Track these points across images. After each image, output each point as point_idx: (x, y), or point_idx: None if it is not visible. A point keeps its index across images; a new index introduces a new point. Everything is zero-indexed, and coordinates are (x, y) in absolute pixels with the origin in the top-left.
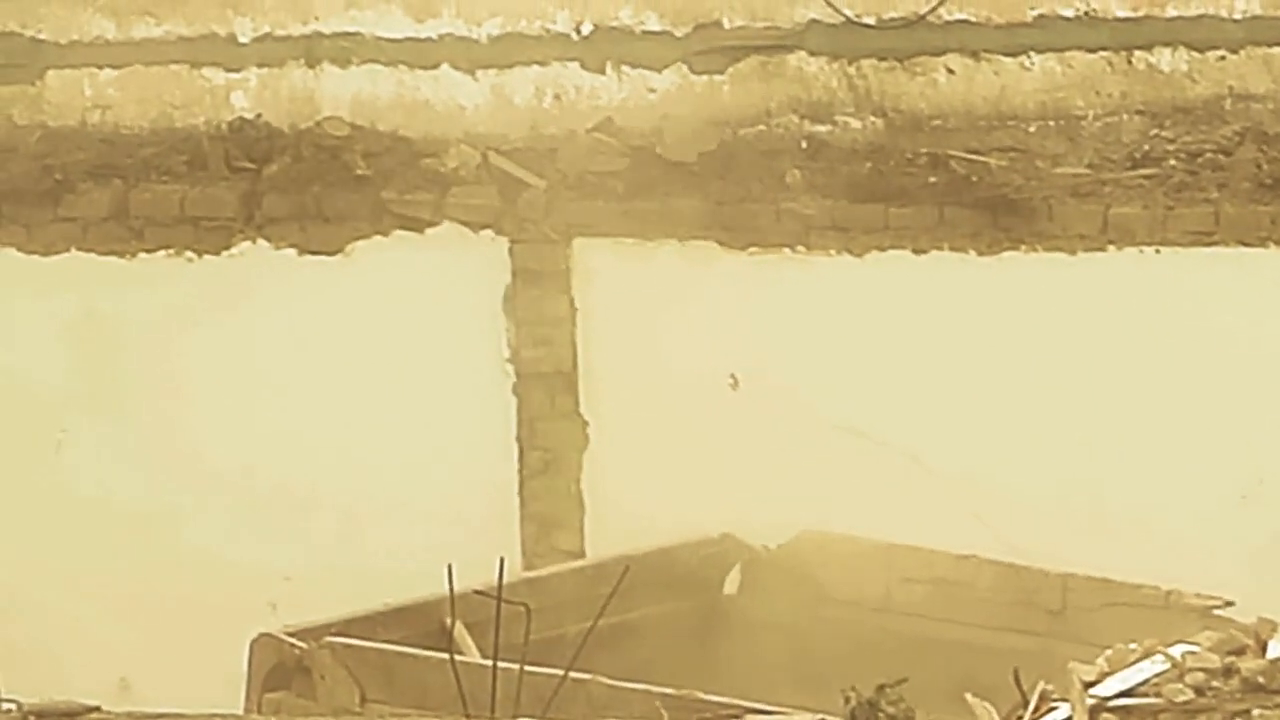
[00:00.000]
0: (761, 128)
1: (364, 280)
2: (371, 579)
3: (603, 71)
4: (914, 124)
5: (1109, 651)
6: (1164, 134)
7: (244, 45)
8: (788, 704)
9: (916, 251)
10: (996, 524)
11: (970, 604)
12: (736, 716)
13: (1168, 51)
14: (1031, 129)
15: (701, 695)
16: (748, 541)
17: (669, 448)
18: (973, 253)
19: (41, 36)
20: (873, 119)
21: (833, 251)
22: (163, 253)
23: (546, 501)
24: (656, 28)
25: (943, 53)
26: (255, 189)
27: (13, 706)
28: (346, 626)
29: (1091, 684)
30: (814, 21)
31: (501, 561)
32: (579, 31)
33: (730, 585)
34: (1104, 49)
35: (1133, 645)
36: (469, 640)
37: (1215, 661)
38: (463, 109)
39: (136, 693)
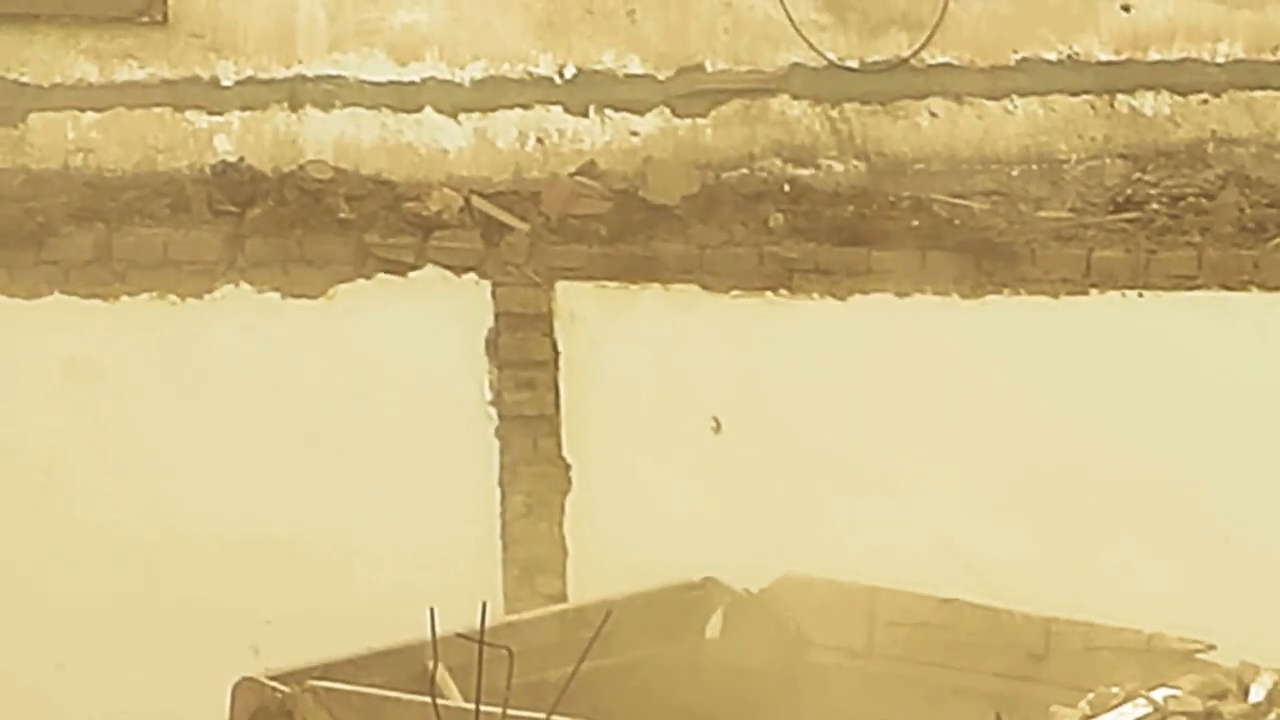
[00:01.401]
0: (744, 171)
1: (346, 323)
2: (354, 623)
3: (585, 115)
4: (897, 167)
5: (1092, 695)
6: (1146, 178)
7: (227, 88)
8: None
9: (899, 295)
10: (980, 568)
11: (953, 647)
12: None
13: (1150, 95)
14: (1014, 172)
15: None
16: (730, 585)
17: (651, 491)
18: (955, 296)
19: (24, 79)
20: (855, 162)
21: (816, 295)
22: (145, 296)
23: (529, 545)
24: (639, 71)
25: (925, 96)
26: (238, 232)
27: None
28: (329, 670)
29: None
30: (797, 65)
31: (484, 605)
32: (562, 75)
33: (712, 629)
34: (1087, 92)
35: (1115, 689)
36: (451, 684)
37: (1198, 705)
38: (446, 152)
39: None
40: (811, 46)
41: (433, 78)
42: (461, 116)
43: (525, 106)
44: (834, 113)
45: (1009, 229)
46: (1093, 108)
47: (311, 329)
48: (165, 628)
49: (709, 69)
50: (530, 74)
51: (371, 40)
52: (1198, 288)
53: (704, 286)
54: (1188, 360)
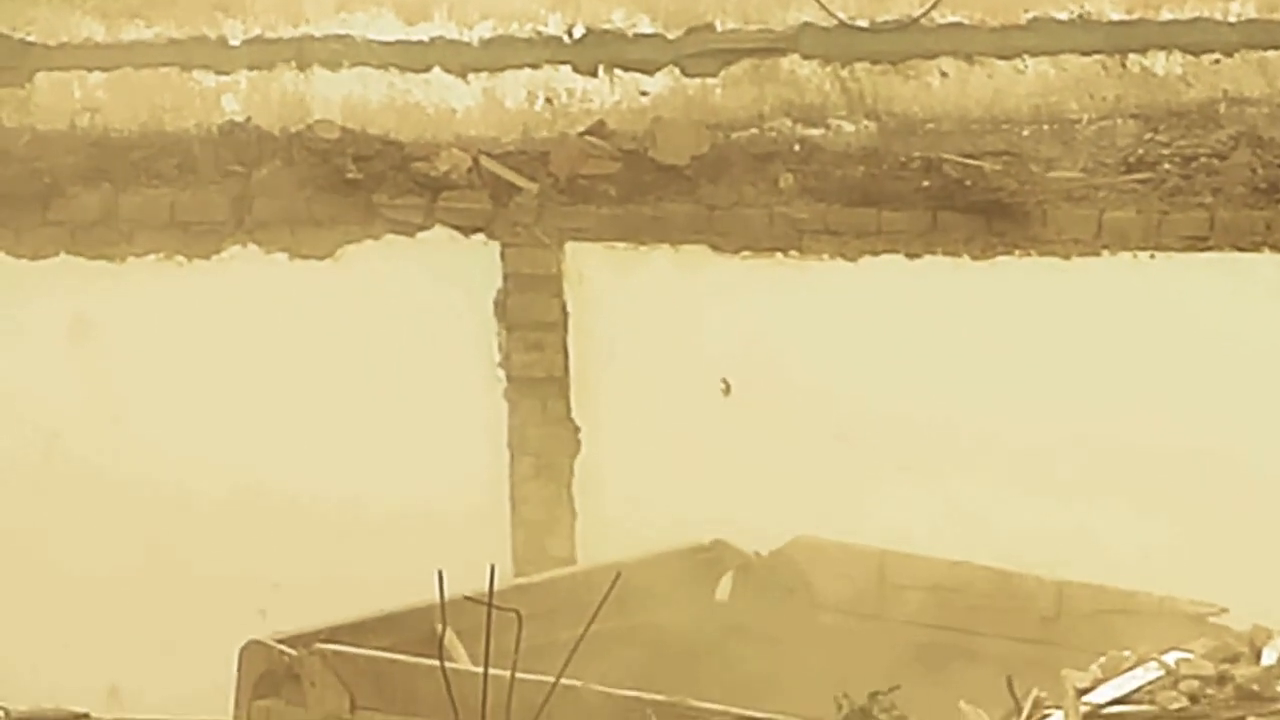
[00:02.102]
0: (754, 131)
1: (354, 284)
2: (361, 585)
3: (595, 74)
4: (907, 127)
5: (1103, 658)
6: (1158, 138)
7: (234, 48)
8: (780, 710)
9: (909, 256)
10: (991, 529)
11: (963, 610)
12: None
13: (1162, 55)
14: (1025, 133)
15: (693, 702)
16: (740, 548)
17: (661, 453)
18: (966, 257)
19: (30, 39)
20: (866, 122)
21: (825, 256)
22: (152, 257)
23: (538, 507)
24: (649, 30)
25: (936, 56)
26: (246, 192)
27: (1, 714)
28: (336, 633)
29: (1085, 691)
30: (807, 24)
31: (492, 568)
32: (571, 34)
33: (722, 592)
34: (1098, 52)
35: (1127, 652)
36: (459, 647)
37: (1209, 669)
38: (454, 112)
39: (125, 700)
40: (822, 5)
41: (441, 37)
42: (470, 76)
43: (534, 66)
44: (844, 72)
45: (1020, 189)
46: (1104, 67)
47: (319, 290)
48: (173, 589)
49: (719, 28)
50: (539, 33)
51: (379, 0)
52: (1210, 249)
53: (713, 247)
54: (1199, 321)
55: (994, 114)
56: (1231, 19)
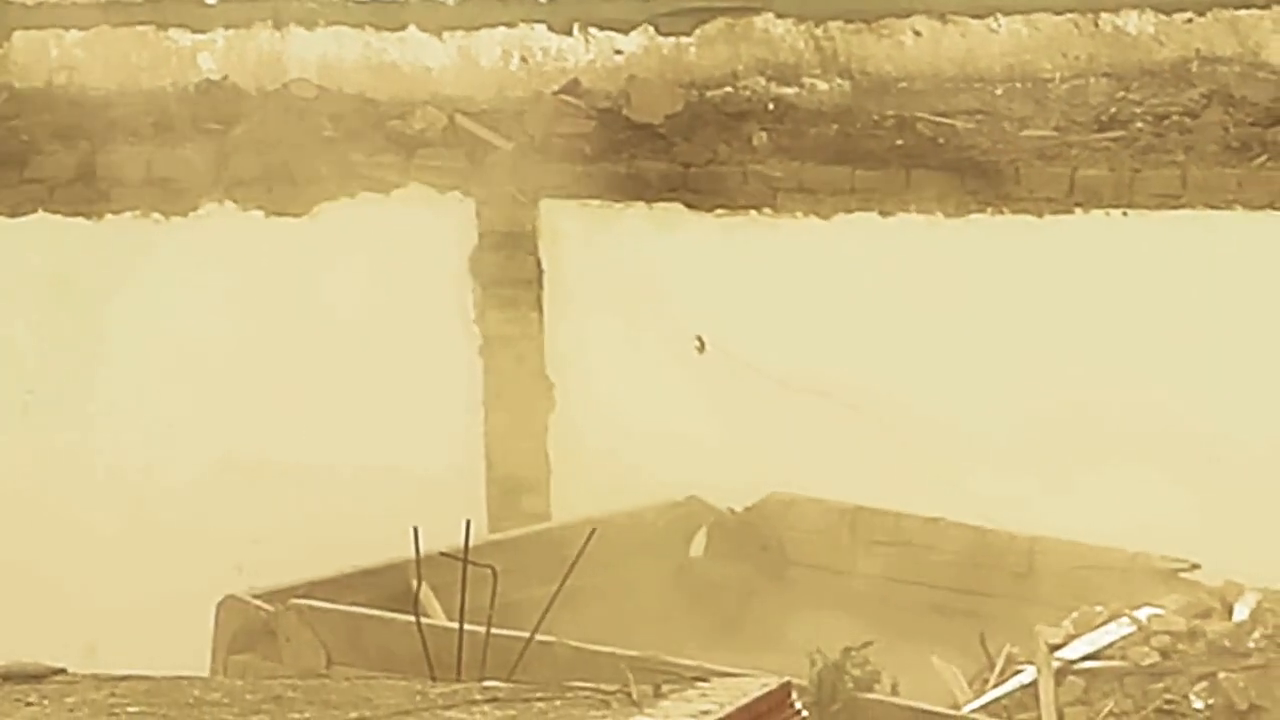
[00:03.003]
0: (728, 89)
1: (331, 242)
2: (337, 541)
3: (569, 33)
4: (881, 86)
5: (1075, 614)
6: (1131, 96)
7: (211, 7)
8: (753, 666)
9: (883, 214)
10: (964, 485)
11: (937, 566)
12: (702, 679)
13: (1134, 14)
14: (998, 91)
15: (667, 657)
16: (713, 504)
17: (635, 410)
18: (939, 215)
19: None
20: (839, 81)
21: (799, 214)
22: (129, 214)
23: (512, 464)
24: None
25: (909, 15)
26: (222, 150)
27: None
28: (312, 589)
29: (1058, 646)
30: None
31: (468, 524)
32: None
33: (696, 548)
34: (1071, 11)
35: (1099, 608)
36: (435, 603)
37: (1181, 624)
38: (429, 71)
39: (103, 658)
40: None
41: None
42: (445, 35)
43: (509, 25)
44: (818, 31)
45: (993, 148)
46: (1077, 26)
47: (295, 247)
48: (150, 548)
49: None
50: None
51: None
52: (1182, 207)
53: (688, 205)
54: (1172, 279)
55: (967, 73)
56: None
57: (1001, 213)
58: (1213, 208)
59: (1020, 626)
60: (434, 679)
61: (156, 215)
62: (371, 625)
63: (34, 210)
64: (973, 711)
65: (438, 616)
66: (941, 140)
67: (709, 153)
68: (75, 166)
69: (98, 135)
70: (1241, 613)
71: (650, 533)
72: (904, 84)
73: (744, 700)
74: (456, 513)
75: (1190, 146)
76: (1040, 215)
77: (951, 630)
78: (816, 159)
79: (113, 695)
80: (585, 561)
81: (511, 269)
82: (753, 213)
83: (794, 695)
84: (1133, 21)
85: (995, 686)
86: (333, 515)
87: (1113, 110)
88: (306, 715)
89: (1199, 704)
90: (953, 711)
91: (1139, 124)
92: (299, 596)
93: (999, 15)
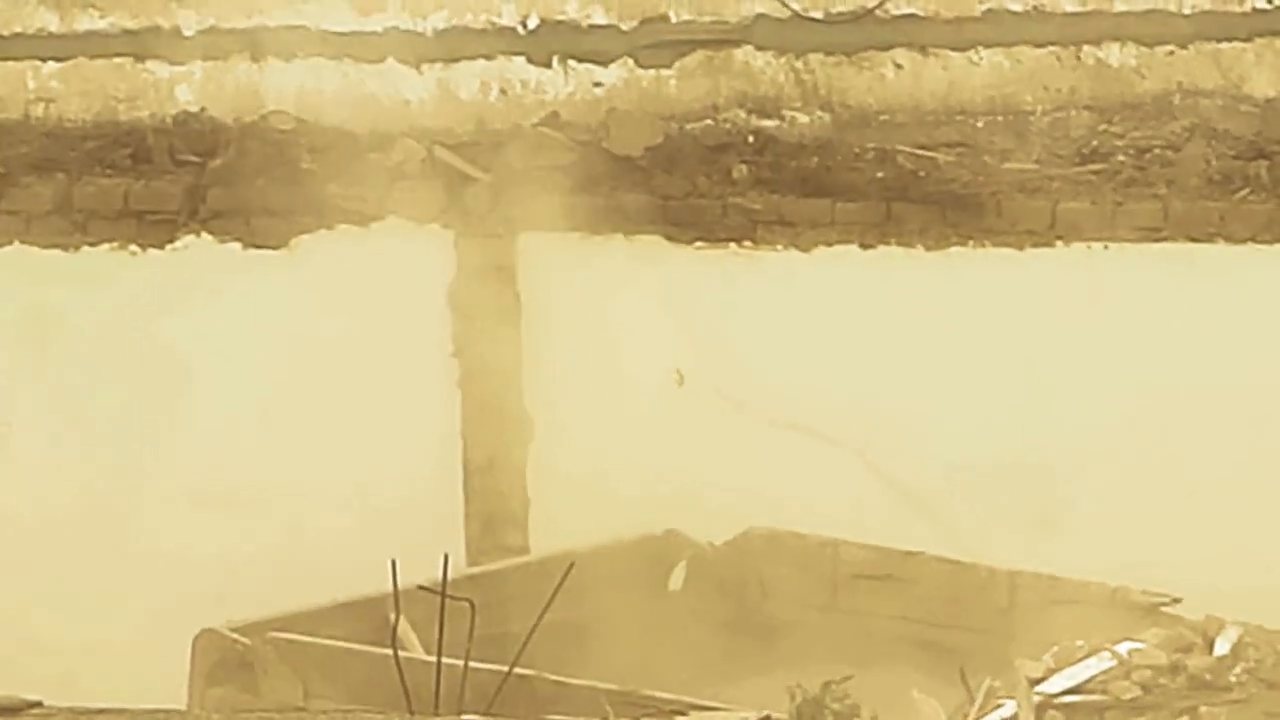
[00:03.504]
0: (708, 122)
1: (308, 274)
2: (315, 574)
3: (549, 65)
4: (861, 119)
5: (1056, 648)
6: (1112, 129)
7: (189, 38)
8: (733, 700)
9: (864, 247)
10: (943, 521)
11: (917, 601)
12: (681, 713)
13: (1116, 47)
14: (979, 124)
15: (646, 691)
16: (693, 538)
17: (614, 443)
18: (920, 248)
19: None
20: (820, 114)
21: (779, 247)
22: (106, 246)
23: (491, 497)
24: (603, 21)
25: (890, 47)
26: (200, 183)
27: None
28: (290, 622)
29: (1038, 681)
30: (761, 16)
31: (446, 558)
32: (525, 25)
33: (675, 581)
34: (1052, 44)
35: (1080, 642)
36: (413, 636)
37: (1162, 659)
38: (408, 103)
39: (81, 689)
40: None
41: (395, 28)
42: (424, 67)
43: (488, 57)
44: (798, 64)
45: (974, 181)
46: (1058, 59)
47: (273, 280)
48: (127, 579)
49: (673, 19)
50: (493, 24)
51: None
52: (1163, 239)
53: (667, 238)
54: (1154, 312)
55: (948, 105)
56: (1185, 11)
57: (983, 246)
58: (1195, 241)
59: (1001, 660)
60: (412, 713)
61: (134, 247)
62: (350, 659)
63: (10, 242)
64: None
65: (416, 650)
66: (922, 173)
67: (689, 185)
68: (52, 198)
69: (75, 167)
70: (1223, 647)
71: (629, 566)
72: (885, 117)
73: None
74: (435, 546)
75: (1172, 180)
76: (1021, 248)
77: (932, 664)
78: (797, 192)
79: None
80: (564, 595)
81: (490, 301)
82: (733, 245)
83: None
84: (1114, 54)
85: None
86: (310, 548)
87: (1094, 143)
88: None
89: None
90: None
91: (1121, 157)
92: (277, 630)
93: (980, 48)
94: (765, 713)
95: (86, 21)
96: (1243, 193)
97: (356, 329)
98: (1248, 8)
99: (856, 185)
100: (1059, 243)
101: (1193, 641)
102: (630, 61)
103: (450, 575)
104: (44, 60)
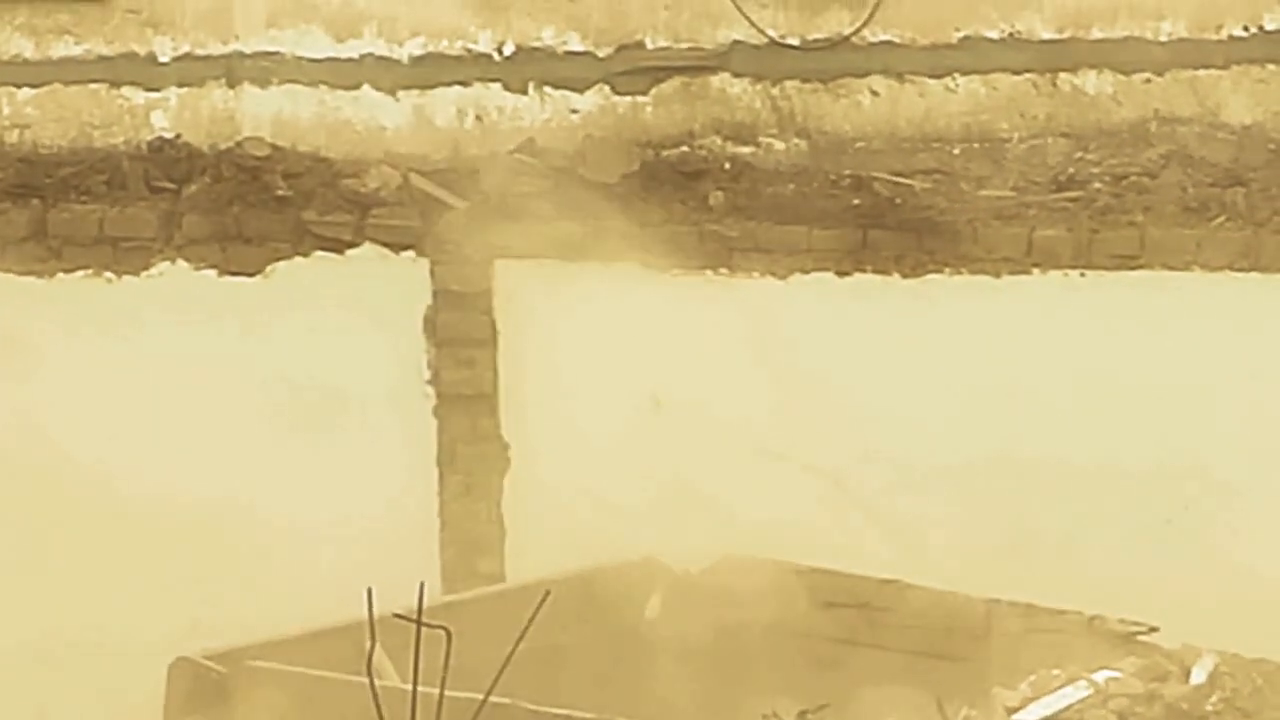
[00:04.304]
0: (684, 149)
1: (284, 301)
2: (291, 601)
3: (525, 92)
4: (838, 146)
5: (1032, 677)
6: (1089, 157)
7: (164, 65)
8: None
9: (840, 274)
10: (919, 549)
11: (893, 629)
12: None
13: (1093, 74)
14: (956, 151)
15: (623, 719)
16: (669, 565)
17: (591, 470)
18: (896, 275)
19: None
20: (796, 140)
21: (756, 273)
22: (81, 273)
23: (467, 525)
24: (579, 48)
25: (867, 74)
26: (175, 209)
27: None
28: (265, 650)
29: (1015, 709)
30: (737, 42)
31: (421, 585)
32: (501, 52)
33: (652, 609)
34: (1029, 71)
35: (1056, 671)
36: (389, 664)
37: (1139, 688)
38: (384, 130)
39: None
40: (752, 24)
41: (371, 54)
42: (400, 93)
43: (464, 84)
44: (775, 90)
45: (950, 208)
46: (1035, 86)
47: (248, 307)
48: (101, 609)
49: (649, 46)
50: (469, 51)
51: (309, 16)
52: (1140, 267)
53: (644, 265)
54: (1130, 340)
55: (925, 132)
56: (1163, 38)
57: (959, 273)
58: (1171, 269)
59: (977, 689)
60: None
61: (109, 274)
62: (325, 687)
63: None
64: None
65: (391, 679)
66: (898, 200)
67: (665, 212)
68: (27, 225)
69: (49, 193)
70: (1199, 676)
71: (606, 594)
72: (861, 144)
73: None
74: (410, 574)
75: (1149, 207)
76: (998, 275)
77: (908, 694)
78: (773, 219)
79: None
80: (540, 623)
81: (466, 329)
82: (709, 272)
83: None
84: (1091, 81)
85: None
86: (284, 576)
87: (1071, 170)
88: None
89: None
90: None
91: (1097, 184)
92: (251, 658)
93: (957, 75)
94: None
95: (61, 48)
96: (1219, 220)
97: (333, 356)
98: (1224, 35)
99: (832, 212)
100: (1035, 270)
101: (1169, 670)
102: (606, 88)
103: (427, 603)
104: (19, 86)
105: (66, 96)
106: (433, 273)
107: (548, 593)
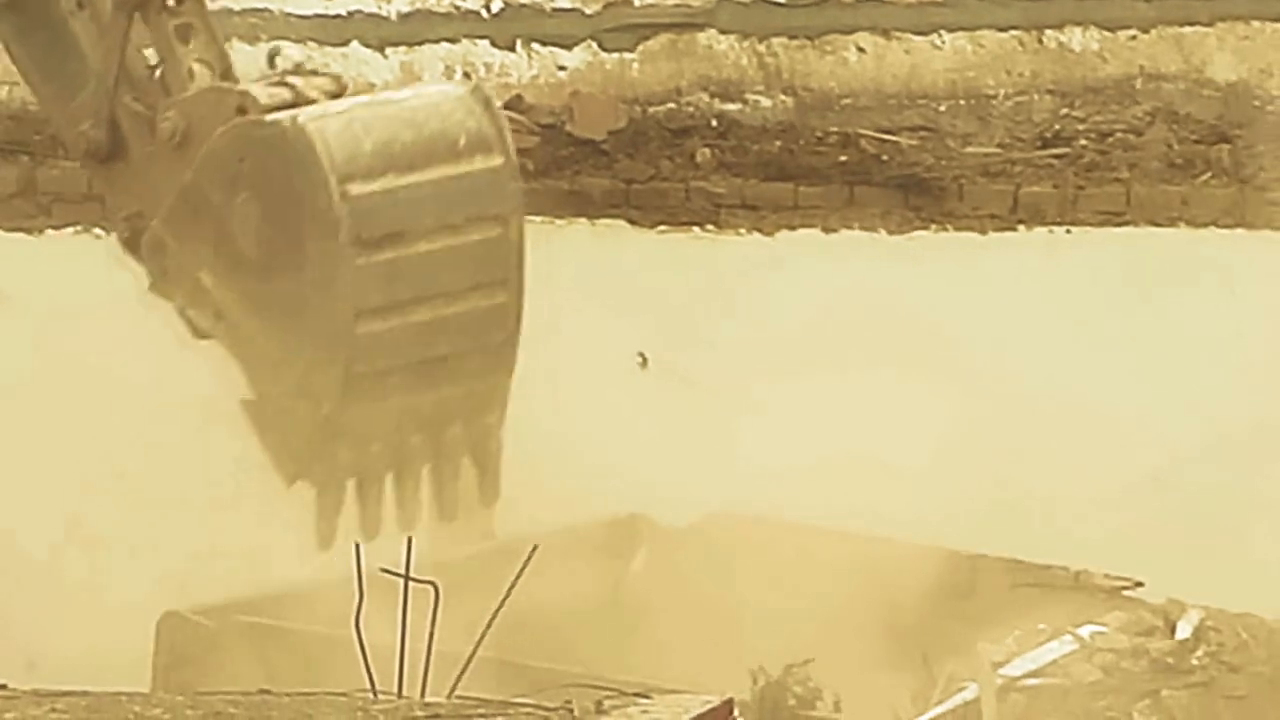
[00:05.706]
0: (671, 106)
1: None
2: (279, 558)
3: (512, 49)
4: (824, 103)
5: (1018, 632)
6: (1075, 113)
7: None
8: (695, 684)
9: (826, 231)
10: (907, 504)
11: (879, 585)
12: (644, 695)
13: (1079, 31)
14: (942, 108)
15: (608, 676)
16: (657, 521)
17: (578, 427)
18: (883, 232)
19: None
20: (783, 97)
21: (743, 230)
22: (70, 230)
23: None
24: (566, 5)
25: (853, 31)
26: None
27: None
28: (254, 605)
29: (1001, 664)
30: None
31: (409, 541)
32: (489, 9)
33: (639, 565)
34: (1015, 28)
35: (1042, 626)
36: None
37: (1124, 642)
38: (372, 86)
39: (42, 673)
40: None
41: (359, 11)
42: (388, 50)
43: (452, 40)
44: (761, 47)
45: (937, 165)
46: (1021, 43)
47: None
48: (90, 563)
49: (636, 3)
50: (457, 8)
51: None
52: (1126, 224)
53: (631, 222)
54: (1116, 296)
55: (911, 89)
56: None
57: (945, 230)
58: (1156, 225)
59: (963, 644)
60: (375, 696)
61: (98, 231)
62: (313, 642)
63: None
64: None
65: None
66: (885, 157)
67: (652, 169)
68: (16, 181)
69: (39, 150)
70: (1184, 631)
71: (593, 550)
72: (847, 100)
73: (686, 717)
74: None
75: (1134, 164)
76: (984, 232)
77: (895, 648)
78: (759, 175)
79: (52, 711)
80: (527, 578)
81: None
82: (695, 229)
83: (736, 712)
84: (1077, 38)
85: (938, 704)
86: (275, 531)
87: (1057, 127)
88: None
89: None
90: None
91: (1083, 141)
92: (240, 613)
93: (943, 32)
94: (728, 696)
95: None
96: (1204, 176)
97: None
98: None
99: (819, 169)
100: (1021, 227)
101: (1154, 625)
102: (594, 45)
103: (414, 559)
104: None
105: None
106: None
107: (535, 548)
